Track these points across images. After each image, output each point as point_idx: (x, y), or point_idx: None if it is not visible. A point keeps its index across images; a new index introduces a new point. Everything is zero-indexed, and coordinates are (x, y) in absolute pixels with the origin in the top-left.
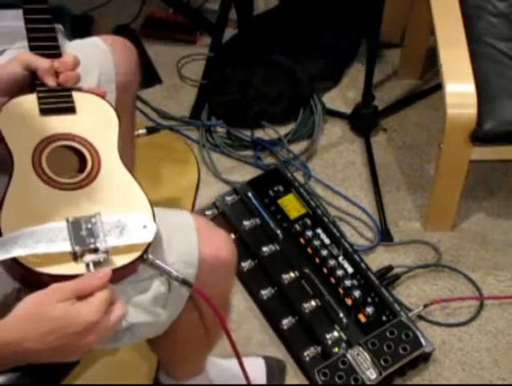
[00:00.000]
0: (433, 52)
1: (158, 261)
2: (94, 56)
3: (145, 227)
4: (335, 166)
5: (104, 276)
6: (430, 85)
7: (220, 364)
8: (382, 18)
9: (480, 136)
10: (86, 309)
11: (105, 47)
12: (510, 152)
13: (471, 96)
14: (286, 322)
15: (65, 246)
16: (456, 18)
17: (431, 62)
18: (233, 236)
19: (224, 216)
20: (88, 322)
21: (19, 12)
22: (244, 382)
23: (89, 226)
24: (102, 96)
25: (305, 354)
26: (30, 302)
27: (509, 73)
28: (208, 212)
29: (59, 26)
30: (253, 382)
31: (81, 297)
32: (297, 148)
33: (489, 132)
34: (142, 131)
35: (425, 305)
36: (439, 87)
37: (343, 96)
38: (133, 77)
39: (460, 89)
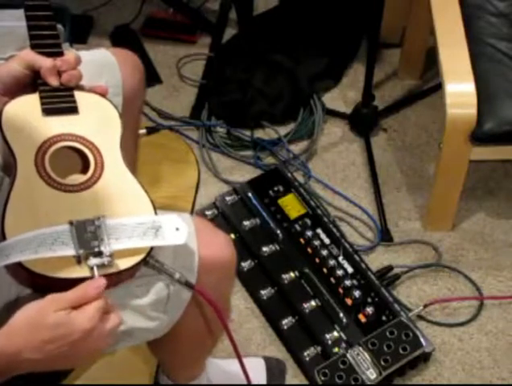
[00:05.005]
0: (433, 52)
1: (160, 264)
2: (102, 69)
3: (177, 229)
4: (335, 166)
5: (99, 286)
6: (430, 85)
7: (219, 365)
8: (382, 18)
9: (480, 136)
10: (81, 317)
11: (113, 60)
12: (510, 152)
13: (471, 96)
14: (286, 322)
15: (69, 249)
16: (456, 18)
17: (431, 62)
18: (233, 236)
19: (224, 216)
20: (83, 329)
21: (19, 12)
22: (241, 382)
23: (93, 229)
24: (104, 94)
25: (305, 354)
26: (27, 313)
27: (509, 73)
28: (208, 212)
29: (58, 27)
30: (253, 382)
31: (77, 306)
32: (297, 148)
33: (489, 132)
34: (142, 131)
35: (425, 305)
36: (439, 87)
37: (343, 96)
38: (139, 92)
39: (460, 89)
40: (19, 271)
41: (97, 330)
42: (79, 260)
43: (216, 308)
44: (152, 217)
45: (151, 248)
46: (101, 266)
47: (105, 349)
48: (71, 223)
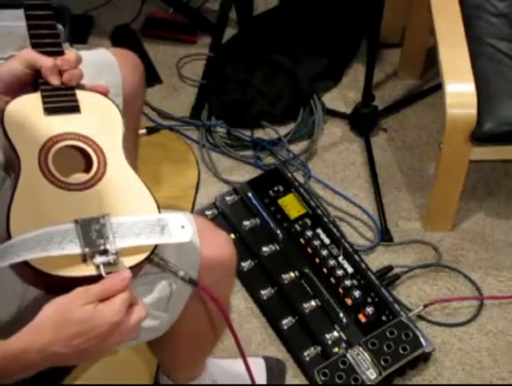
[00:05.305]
0: (433, 52)
1: (165, 261)
2: (102, 69)
3: (183, 227)
4: (335, 166)
5: (125, 278)
6: (430, 85)
7: (219, 364)
8: (382, 18)
9: (480, 136)
10: (108, 310)
11: (113, 60)
12: (510, 152)
13: (471, 96)
14: (286, 322)
15: (75, 248)
16: (456, 18)
17: (431, 62)
18: (233, 236)
19: (224, 216)
20: (111, 322)
21: (19, 12)
22: (243, 382)
23: (98, 227)
24: (105, 93)
25: (305, 354)
26: (54, 307)
27: (509, 73)
28: (208, 212)
29: (58, 27)
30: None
31: (103, 299)
32: (297, 148)
33: (489, 132)
34: (142, 131)
35: (425, 305)
36: (439, 87)
37: (343, 96)
38: (139, 92)
39: (460, 89)
40: (25, 270)
41: (123, 323)
42: (84, 258)
43: (219, 305)
44: (158, 215)
45: (156, 246)
46: (106, 264)
47: (132, 340)
48: (76, 221)
